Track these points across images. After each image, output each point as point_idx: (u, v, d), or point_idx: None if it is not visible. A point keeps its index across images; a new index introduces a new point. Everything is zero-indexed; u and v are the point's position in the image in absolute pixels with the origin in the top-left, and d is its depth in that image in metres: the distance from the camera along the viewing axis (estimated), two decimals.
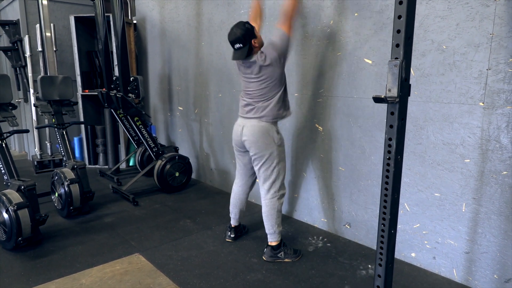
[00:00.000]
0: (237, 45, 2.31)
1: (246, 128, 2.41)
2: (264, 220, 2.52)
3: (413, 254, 2.43)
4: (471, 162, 2.08)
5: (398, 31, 1.27)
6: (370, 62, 2.47)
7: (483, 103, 1.99)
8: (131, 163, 5.05)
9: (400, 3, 1.25)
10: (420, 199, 2.34)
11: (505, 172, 1.96)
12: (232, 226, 2.83)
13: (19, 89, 5.33)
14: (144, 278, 2.29)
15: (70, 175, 3.16)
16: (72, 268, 2.41)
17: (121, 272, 2.37)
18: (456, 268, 2.23)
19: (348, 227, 2.81)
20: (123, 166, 4.93)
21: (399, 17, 1.27)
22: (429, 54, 2.17)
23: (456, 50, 2.05)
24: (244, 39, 2.29)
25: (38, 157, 4.85)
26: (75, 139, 5.13)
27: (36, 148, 4.92)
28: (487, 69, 1.95)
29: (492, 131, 1.98)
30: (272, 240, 2.51)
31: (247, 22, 2.34)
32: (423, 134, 2.27)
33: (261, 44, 2.41)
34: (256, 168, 2.49)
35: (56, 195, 3.26)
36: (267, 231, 2.52)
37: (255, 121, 2.39)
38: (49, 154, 5.02)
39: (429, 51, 2.17)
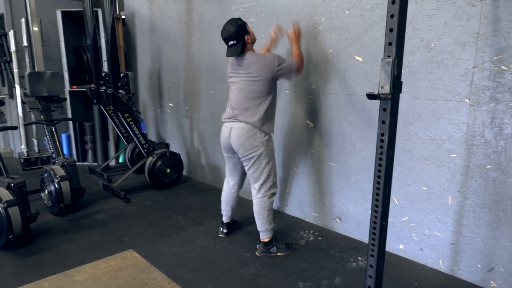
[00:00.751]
0: (231, 42, 2.33)
1: (233, 130, 2.41)
2: (255, 218, 2.55)
3: (401, 246, 2.51)
4: (457, 157, 2.16)
5: (391, 30, 1.32)
6: (360, 59, 2.52)
7: (469, 99, 2.06)
8: (120, 160, 5.01)
9: (393, 2, 1.30)
10: (408, 193, 2.41)
11: (489, 166, 2.04)
12: (224, 222, 2.85)
13: (3, 85, 5.21)
14: (139, 274, 2.30)
15: (60, 172, 3.13)
16: (65, 265, 2.40)
17: (115, 268, 2.37)
18: (442, 258, 2.31)
19: (339, 221, 2.87)
20: (112, 163, 4.89)
21: (392, 16, 1.31)
22: (417, 52, 2.23)
23: (444, 48, 2.12)
24: (237, 35, 2.30)
25: (25, 154, 4.76)
26: (63, 136, 5.06)
27: (23, 145, 4.83)
28: (473, 67, 2.02)
29: (477, 127, 2.05)
30: (264, 237, 2.55)
31: (239, 19, 2.35)
32: (411, 130, 2.33)
33: (254, 40, 2.43)
34: (246, 169, 2.51)
35: (46, 192, 3.23)
36: (259, 228, 2.55)
37: (242, 124, 2.39)
38: (36, 151, 4.94)
39: (418, 49, 2.23)
